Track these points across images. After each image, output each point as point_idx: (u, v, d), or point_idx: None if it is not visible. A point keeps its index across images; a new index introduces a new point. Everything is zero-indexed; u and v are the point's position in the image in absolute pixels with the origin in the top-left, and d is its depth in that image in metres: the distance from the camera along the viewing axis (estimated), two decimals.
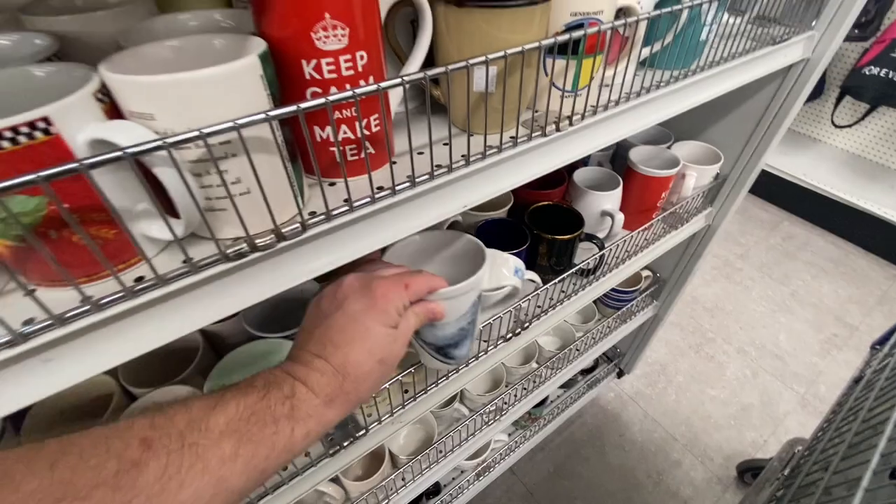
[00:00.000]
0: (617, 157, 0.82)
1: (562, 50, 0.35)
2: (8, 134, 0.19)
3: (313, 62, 0.27)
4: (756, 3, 0.55)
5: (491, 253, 0.44)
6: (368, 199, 0.30)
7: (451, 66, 0.28)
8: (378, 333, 0.30)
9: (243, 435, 0.23)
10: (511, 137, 0.37)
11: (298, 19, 0.25)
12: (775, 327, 1.61)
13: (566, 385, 1.21)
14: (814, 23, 0.60)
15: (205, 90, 0.22)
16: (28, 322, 0.23)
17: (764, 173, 2.11)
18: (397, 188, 0.31)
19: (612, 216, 0.68)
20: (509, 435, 1.13)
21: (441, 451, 0.79)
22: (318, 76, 0.28)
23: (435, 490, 1.02)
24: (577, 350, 0.95)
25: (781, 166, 1.97)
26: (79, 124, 0.21)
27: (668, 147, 0.78)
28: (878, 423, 0.59)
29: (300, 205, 0.29)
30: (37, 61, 0.26)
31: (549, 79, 0.38)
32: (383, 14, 0.31)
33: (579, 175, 0.73)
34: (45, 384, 0.24)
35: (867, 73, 1.64)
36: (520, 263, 0.47)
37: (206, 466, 0.21)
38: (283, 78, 0.28)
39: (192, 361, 0.48)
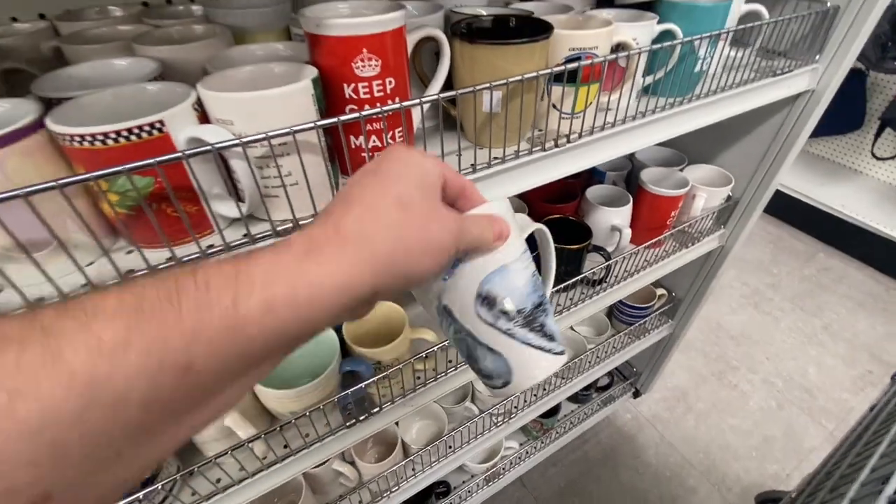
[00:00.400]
0: (631, 178, 0.87)
1: (560, 78, 0.41)
2: (135, 131, 0.28)
3: (352, 85, 0.35)
4: (758, 38, 0.60)
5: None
6: None
7: (460, 91, 0.35)
8: (411, 173, 0.23)
9: (138, 316, 0.16)
10: (515, 151, 0.43)
11: (342, 54, 0.33)
12: (805, 360, 1.57)
13: (579, 400, 1.23)
14: (817, 56, 0.64)
15: (270, 104, 0.30)
16: (130, 272, 0.31)
17: (800, 202, 2.06)
18: None
19: (620, 230, 0.73)
20: (520, 444, 1.15)
21: (450, 447, 0.84)
22: (355, 96, 0.35)
23: (445, 490, 1.06)
24: (589, 362, 0.98)
25: (819, 197, 1.94)
26: (180, 126, 0.29)
27: (681, 170, 0.82)
28: (875, 443, 0.60)
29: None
30: (148, 80, 0.35)
31: (549, 103, 0.44)
32: (410, 47, 0.38)
33: (592, 192, 0.78)
34: None
35: None
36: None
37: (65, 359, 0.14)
38: (328, 96, 0.35)
39: None
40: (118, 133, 0.27)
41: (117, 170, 0.26)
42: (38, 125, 0.28)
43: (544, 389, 0.94)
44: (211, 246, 0.33)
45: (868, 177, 2.03)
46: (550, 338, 0.28)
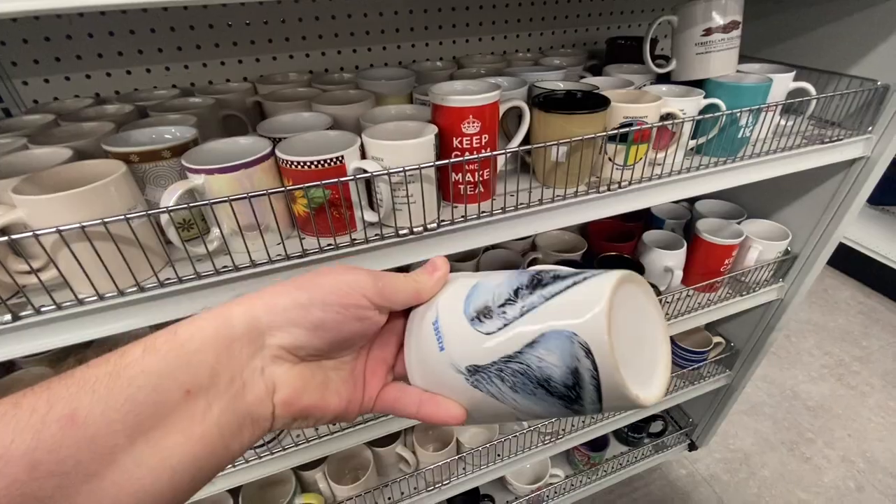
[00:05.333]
0: (689, 228, 0.94)
1: (614, 138, 0.54)
2: (326, 162, 0.44)
3: (459, 139, 0.50)
4: (809, 108, 0.68)
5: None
6: (475, 217, 0.51)
7: (535, 146, 0.49)
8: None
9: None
10: (574, 192, 0.56)
11: (456, 118, 0.49)
12: (893, 442, 1.44)
13: (630, 442, 1.24)
14: (871, 128, 0.70)
15: (406, 150, 0.46)
16: (305, 251, 0.47)
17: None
18: (493, 213, 0.52)
19: (672, 271, 0.81)
20: (566, 476, 1.19)
21: (499, 454, 0.92)
22: (460, 146, 0.50)
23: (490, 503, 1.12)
24: None
25: None
26: (351, 160, 0.46)
27: (738, 222, 0.88)
28: None
29: (439, 214, 0.51)
30: (326, 128, 0.53)
31: (605, 156, 0.57)
32: (501, 112, 0.53)
33: (649, 235, 0.87)
34: None
35: None
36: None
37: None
38: (442, 144, 0.51)
39: None
40: (317, 162, 0.44)
41: (316, 184, 0.43)
42: (271, 153, 0.46)
43: (593, 418, 0.99)
44: (355, 239, 0.49)
45: None
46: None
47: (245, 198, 0.41)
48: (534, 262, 0.86)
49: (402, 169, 0.45)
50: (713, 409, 1.20)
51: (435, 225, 0.50)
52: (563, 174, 0.54)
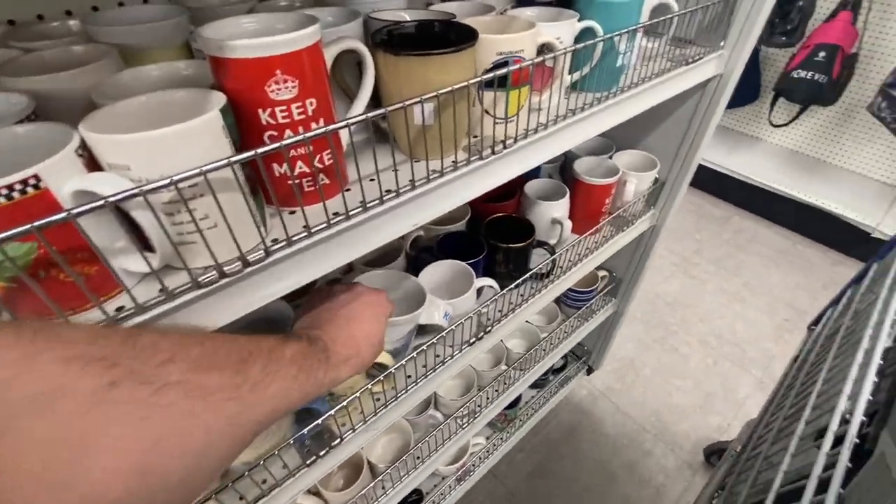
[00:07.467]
0: (565, 169, 0.89)
1: (491, 84, 0.40)
2: (3, 191, 0.23)
3: (268, 110, 0.31)
4: (670, 29, 0.62)
5: (430, 297, 0.57)
6: (325, 225, 0.34)
7: (389, 108, 0.33)
8: (379, 321, 0.40)
9: (301, 365, 0.29)
10: (453, 162, 0.42)
11: (253, 78, 0.30)
12: (731, 317, 1.71)
13: (538, 385, 1.26)
14: (722, 43, 0.68)
15: (173, 143, 0.26)
16: None
17: (713, 172, 2.24)
18: (351, 213, 0.36)
19: (560, 223, 0.74)
20: (487, 438, 1.17)
21: (418, 458, 0.82)
22: (273, 121, 0.32)
23: (417, 498, 1.04)
24: (543, 350, 1.00)
25: (728, 165, 2.11)
26: (63, 178, 0.25)
27: (610, 157, 0.85)
28: (806, 395, 0.66)
29: (263, 233, 0.33)
30: (17, 121, 0.29)
31: (482, 109, 0.43)
32: (329, 62, 0.36)
33: (530, 187, 0.79)
34: None
35: (795, 76, 1.78)
36: (449, 309, 0.60)
37: (282, 377, 0.27)
38: (241, 123, 0.32)
39: None
40: None
41: None
42: None
43: (505, 384, 0.94)
44: (121, 308, 0.28)
45: (768, 143, 2.24)
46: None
47: None
48: (416, 241, 0.72)
49: (168, 179, 0.25)
50: (604, 335, 1.27)
51: (261, 252, 0.32)
52: (435, 141, 0.40)
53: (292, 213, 0.36)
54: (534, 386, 1.26)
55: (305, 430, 0.47)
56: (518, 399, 1.16)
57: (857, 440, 0.43)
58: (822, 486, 0.41)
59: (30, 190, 0.24)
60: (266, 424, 0.26)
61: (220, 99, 0.29)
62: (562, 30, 0.47)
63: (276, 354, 0.28)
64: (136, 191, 0.24)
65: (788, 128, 2.08)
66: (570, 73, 0.53)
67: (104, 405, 0.18)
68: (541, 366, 1.01)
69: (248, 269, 0.31)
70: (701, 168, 2.49)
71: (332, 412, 0.49)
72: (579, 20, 0.50)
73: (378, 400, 0.58)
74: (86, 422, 0.17)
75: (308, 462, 0.52)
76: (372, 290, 0.43)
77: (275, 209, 0.35)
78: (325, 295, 0.41)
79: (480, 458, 1.14)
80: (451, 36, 0.40)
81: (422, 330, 0.61)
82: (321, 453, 0.53)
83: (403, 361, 0.55)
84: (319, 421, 0.48)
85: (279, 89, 0.31)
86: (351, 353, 0.35)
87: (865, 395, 0.45)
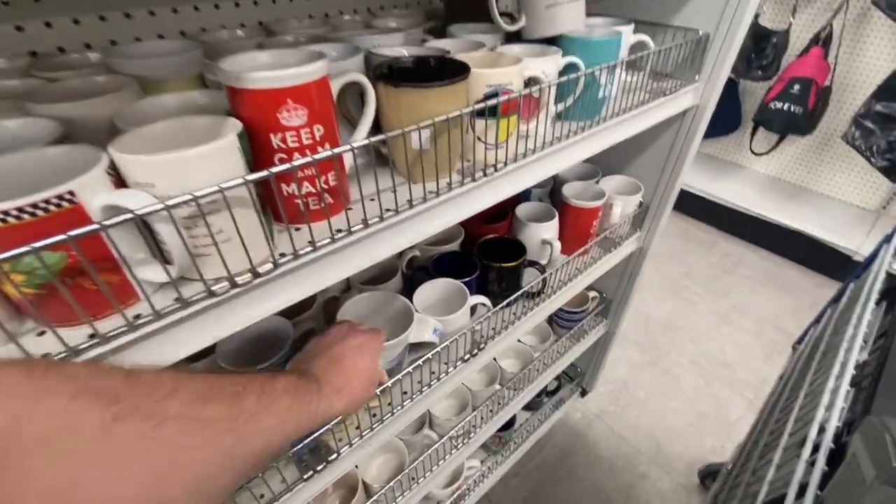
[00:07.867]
0: (554, 193, 0.93)
1: (482, 113, 0.44)
2: (42, 204, 0.25)
3: (280, 135, 0.34)
4: (647, 64, 0.67)
5: (417, 316, 0.59)
6: (329, 240, 0.37)
7: (389, 134, 0.36)
8: (369, 356, 0.42)
9: (294, 396, 0.31)
10: (447, 184, 0.45)
11: (266, 106, 0.33)
12: (721, 338, 1.74)
13: (532, 407, 1.26)
14: (697, 76, 0.73)
15: (195, 163, 0.29)
16: (45, 355, 0.28)
17: (700, 198, 2.29)
18: (353, 230, 0.38)
19: (550, 244, 0.77)
20: (482, 461, 1.16)
21: (413, 478, 0.82)
22: (283, 145, 0.35)
23: None
24: (537, 370, 1.01)
25: (714, 191, 2.18)
26: (94, 194, 0.27)
27: (597, 182, 0.89)
28: (789, 410, 0.68)
29: (272, 247, 0.36)
30: (47, 143, 0.32)
31: (474, 135, 0.47)
32: (335, 93, 0.39)
33: (521, 210, 0.83)
34: None
35: (773, 107, 1.87)
36: (439, 325, 0.62)
37: (276, 409, 0.28)
38: (255, 147, 0.35)
39: None
40: (20, 209, 0.25)
41: (22, 251, 0.24)
42: None
43: (499, 404, 0.95)
44: (139, 316, 0.31)
45: (750, 170, 2.32)
46: None
47: None
48: (412, 260, 0.74)
49: (190, 195, 0.28)
50: (596, 355, 1.28)
51: (270, 265, 0.34)
52: (431, 164, 0.43)
53: (298, 229, 0.39)
54: (528, 408, 1.27)
55: (302, 444, 0.49)
56: (512, 421, 1.16)
57: (835, 447, 0.45)
58: (803, 492, 0.42)
59: (65, 204, 0.26)
60: (262, 457, 0.27)
61: (236, 125, 0.32)
62: (546, 64, 0.51)
63: (268, 387, 0.29)
64: (161, 206, 0.27)
65: (769, 156, 2.17)
66: (556, 103, 0.57)
67: (109, 440, 0.19)
68: (534, 386, 1.02)
69: (258, 280, 0.34)
70: (688, 194, 2.54)
71: (329, 426, 0.50)
72: (563, 56, 0.54)
73: (374, 415, 0.60)
74: (90, 458, 0.19)
75: (305, 476, 0.53)
76: (359, 333, 0.44)
77: (283, 226, 0.37)
78: (315, 343, 0.43)
79: (475, 482, 1.13)
80: (445, 70, 0.44)
81: (417, 346, 0.63)
82: (318, 468, 0.54)
83: (400, 376, 0.57)
84: (316, 434, 0.49)
85: (290, 116, 0.34)
86: (342, 384, 0.37)
87: (839, 404, 0.48)
